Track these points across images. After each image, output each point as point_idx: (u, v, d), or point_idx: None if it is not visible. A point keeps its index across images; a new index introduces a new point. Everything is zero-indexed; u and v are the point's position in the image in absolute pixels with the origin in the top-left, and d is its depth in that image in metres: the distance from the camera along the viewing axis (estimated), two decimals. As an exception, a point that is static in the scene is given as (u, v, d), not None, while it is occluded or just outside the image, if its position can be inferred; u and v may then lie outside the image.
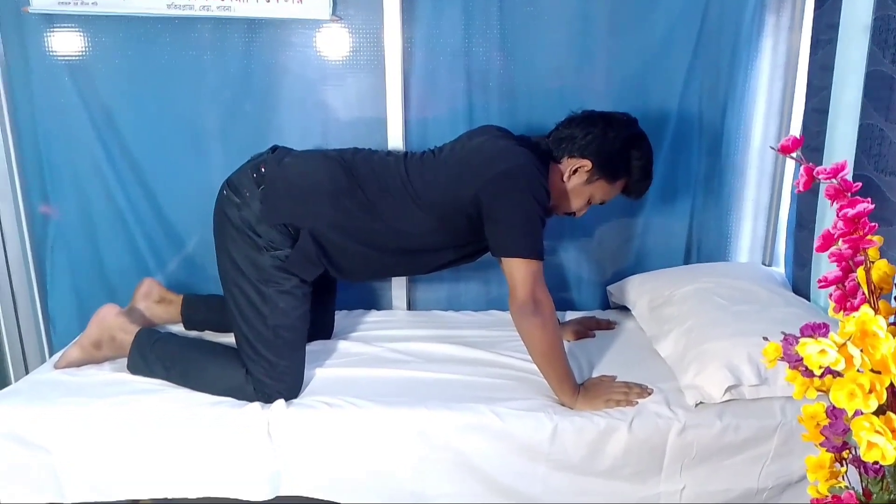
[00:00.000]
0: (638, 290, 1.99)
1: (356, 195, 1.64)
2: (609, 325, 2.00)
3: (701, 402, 1.51)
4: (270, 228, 1.61)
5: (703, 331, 1.64)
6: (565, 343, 1.90)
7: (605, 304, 2.17)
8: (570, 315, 2.09)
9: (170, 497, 1.57)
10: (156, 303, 1.90)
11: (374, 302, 2.19)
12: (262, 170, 1.64)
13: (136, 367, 1.68)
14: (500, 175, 1.57)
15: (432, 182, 1.65)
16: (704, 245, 2.18)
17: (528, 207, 1.57)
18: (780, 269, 2.11)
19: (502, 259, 1.58)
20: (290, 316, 1.64)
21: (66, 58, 1.95)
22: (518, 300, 1.56)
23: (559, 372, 1.57)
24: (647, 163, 1.71)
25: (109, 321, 1.75)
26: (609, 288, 2.13)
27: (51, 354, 2.10)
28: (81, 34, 1.94)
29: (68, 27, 1.93)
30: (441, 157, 1.70)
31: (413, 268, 1.85)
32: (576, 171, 1.68)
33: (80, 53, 1.95)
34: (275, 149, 1.71)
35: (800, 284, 1.92)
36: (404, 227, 1.65)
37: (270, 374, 1.59)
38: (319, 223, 1.63)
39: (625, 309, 2.07)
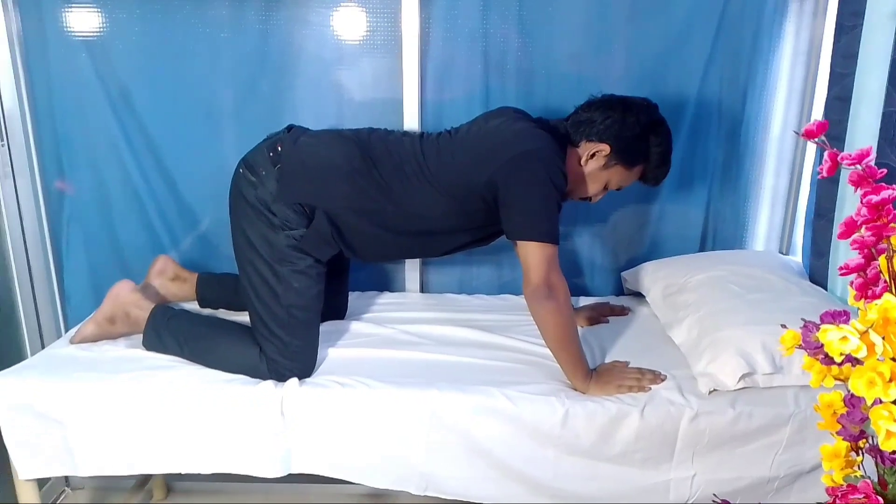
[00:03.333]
0: (652, 277, 1.98)
1: (371, 175, 1.63)
2: (623, 312, 1.99)
3: (714, 390, 1.51)
4: (286, 207, 1.61)
5: (717, 318, 1.63)
6: (578, 329, 1.90)
7: (620, 291, 2.17)
8: (584, 301, 2.08)
9: (182, 472, 1.59)
10: (170, 280, 1.92)
11: (387, 284, 2.19)
12: (279, 149, 1.64)
13: (150, 344, 1.70)
14: (518, 157, 1.56)
15: (448, 163, 1.64)
16: (720, 233, 2.16)
17: (545, 191, 1.56)
18: (796, 258, 2.09)
19: (517, 242, 1.57)
20: (305, 296, 1.64)
21: (83, 35, 1.95)
22: (532, 284, 1.56)
23: (572, 356, 1.57)
24: (666, 149, 1.70)
25: (124, 297, 1.76)
26: (623, 274, 2.12)
27: (66, 329, 2.12)
28: (98, 11, 1.94)
29: (85, 4, 1.93)
30: (457, 138, 1.69)
31: (427, 250, 1.84)
32: (593, 155, 1.67)
33: (97, 31, 1.95)
34: (290, 128, 1.71)
35: (816, 274, 1.90)
36: (419, 208, 1.65)
37: (283, 353, 1.59)
38: (335, 203, 1.63)
39: (639, 295, 2.06)
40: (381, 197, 1.64)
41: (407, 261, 2.14)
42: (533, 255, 1.55)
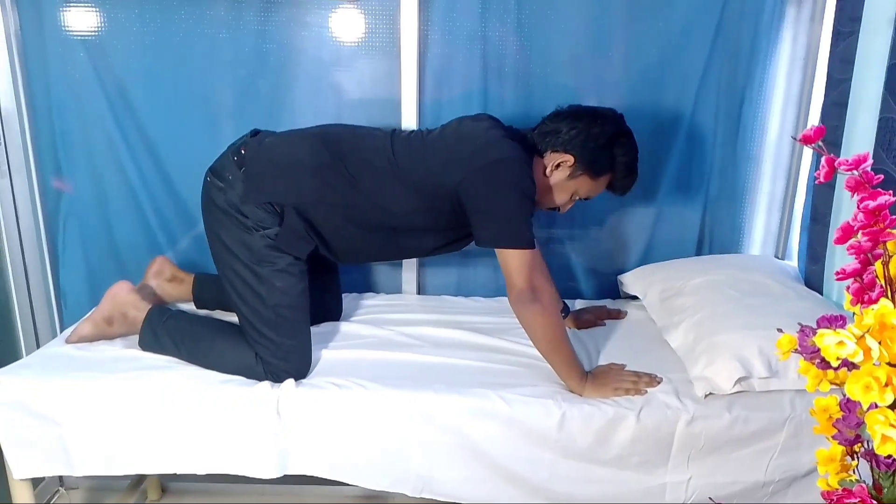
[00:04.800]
0: (649, 280, 1.99)
1: (338, 169, 1.63)
2: (619, 315, 2.00)
3: (710, 394, 1.51)
4: (256, 208, 1.61)
5: (713, 322, 1.64)
6: (576, 331, 1.91)
7: (616, 294, 2.17)
8: (581, 304, 2.08)
9: (178, 472, 1.58)
10: (167, 281, 1.91)
11: (384, 286, 2.19)
12: (243, 152, 1.65)
13: (147, 344, 1.69)
14: (488, 166, 1.57)
15: (419, 162, 1.64)
16: (717, 237, 2.17)
17: (517, 199, 1.57)
18: (793, 262, 2.10)
19: (497, 251, 1.58)
20: (289, 294, 1.64)
21: (82, 34, 1.95)
22: (516, 289, 1.57)
23: (564, 358, 1.57)
24: (632, 160, 1.70)
25: (122, 298, 1.76)
26: (620, 277, 2.12)
27: (62, 329, 2.12)
28: (97, 10, 1.93)
29: (84, 3, 1.93)
30: (429, 140, 1.69)
31: (398, 249, 1.83)
32: (559, 165, 1.68)
33: (96, 30, 1.95)
34: (255, 133, 1.71)
35: (812, 279, 1.90)
36: (387, 203, 1.65)
37: (276, 354, 1.59)
38: (303, 198, 1.63)
39: (635, 299, 2.06)
40: (349, 190, 1.63)
41: (404, 262, 2.14)
42: (513, 261, 1.56)
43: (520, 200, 1.57)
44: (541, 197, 1.69)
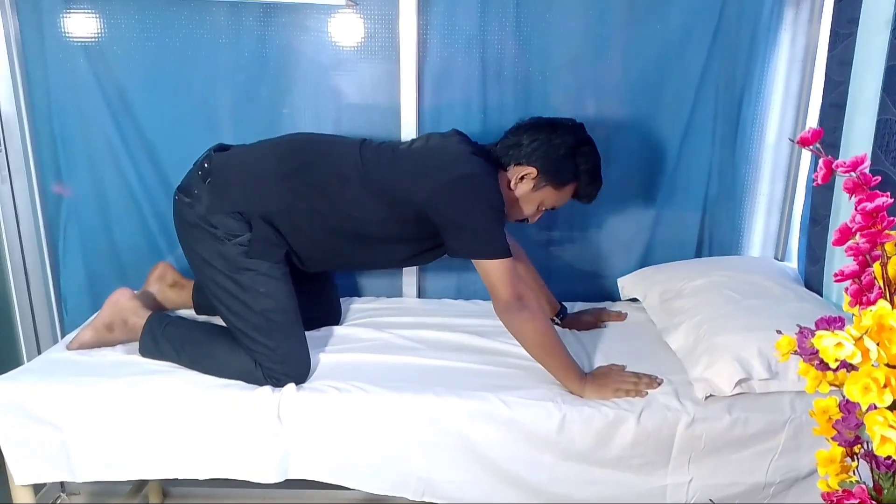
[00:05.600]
0: (649, 282, 1.99)
1: (303, 177, 1.64)
2: (619, 317, 2.00)
3: (710, 395, 1.51)
4: (224, 217, 1.61)
5: (713, 324, 1.64)
6: (576, 333, 1.91)
7: (616, 296, 2.17)
8: (581, 306, 2.09)
9: (179, 477, 1.58)
10: (169, 286, 1.92)
11: (384, 289, 2.19)
12: (206, 165, 1.66)
13: (147, 351, 1.70)
14: (454, 182, 1.58)
15: (386, 174, 1.65)
16: (716, 239, 2.17)
17: (488, 211, 1.59)
18: (792, 264, 2.10)
19: (476, 263, 1.59)
20: (275, 297, 1.64)
21: (82, 39, 1.95)
22: (501, 300, 1.58)
23: (560, 360, 1.58)
24: (593, 167, 1.71)
25: (122, 304, 1.76)
26: (620, 280, 2.12)
27: (63, 334, 2.12)
28: (97, 16, 1.94)
29: (84, 9, 1.93)
30: (399, 152, 1.70)
31: (367, 259, 1.83)
32: (522, 178, 1.69)
33: (96, 35, 1.95)
34: (219, 147, 1.72)
35: (812, 280, 1.91)
36: (354, 211, 1.65)
37: (273, 359, 1.59)
38: (270, 207, 1.63)
39: (635, 301, 2.06)
40: (316, 198, 1.64)
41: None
42: (495, 271, 1.57)
43: (490, 213, 1.59)
44: (508, 209, 1.70)
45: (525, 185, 1.70)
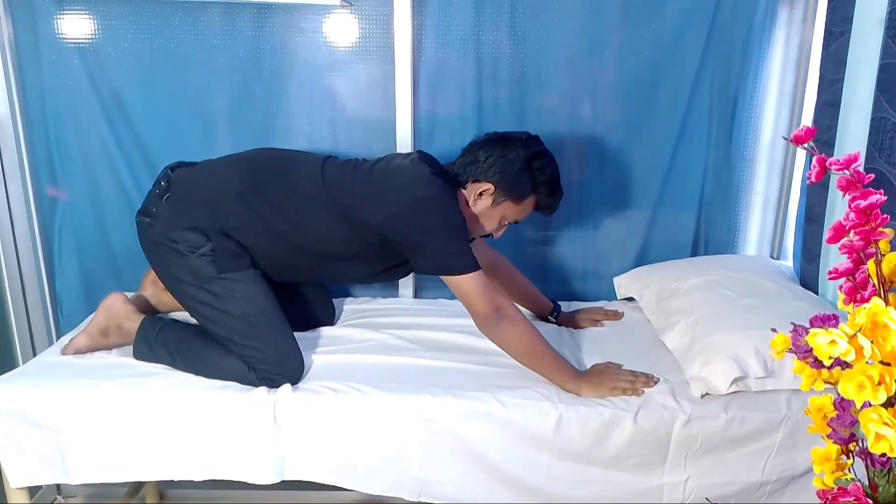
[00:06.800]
0: (645, 282, 1.99)
1: (262, 195, 1.64)
2: (616, 316, 2.00)
3: (707, 394, 1.51)
4: (183, 231, 1.62)
5: (709, 323, 1.64)
6: (572, 332, 1.91)
7: (612, 295, 2.17)
8: (577, 305, 2.09)
9: (175, 479, 1.58)
10: (163, 290, 1.90)
11: (380, 289, 2.19)
12: (163, 183, 1.67)
13: (141, 355, 1.69)
14: (411, 205, 1.58)
15: (347, 193, 1.65)
16: (712, 238, 2.17)
17: (447, 229, 1.59)
18: (788, 262, 2.10)
19: (447, 280, 1.59)
20: (253, 301, 1.63)
21: (76, 41, 1.95)
22: (479, 313, 1.59)
23: (550, 362, 1.58)
24: (550, 178, 1.71)
25: (117, 309, 1.75)
26: (616, 279, 2.12)
27: (58, 336, 2.12)
28: (91, 17, 1.94)
29: (78, 10, 1.93)
30: (361, 171, 1.69)
31: (328, 275, 1.84)
32: (481, 194, 1.70)
33: (90, 37, 1.95)
34: (175, 166, 1.72)
35: (808, 278, 1.91)
36: (312, 229, 1.66)
37: (263, 361, 1.59)
38: (228, 223, 1.64)
39: (632, 300, 2.07)
40: (274, 216, 1.64)
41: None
42: (466, 286, 1.58)
43: (449, 231, 1.59)
44: (470, 226, 1.70)
45: (484, 202, 1.70)
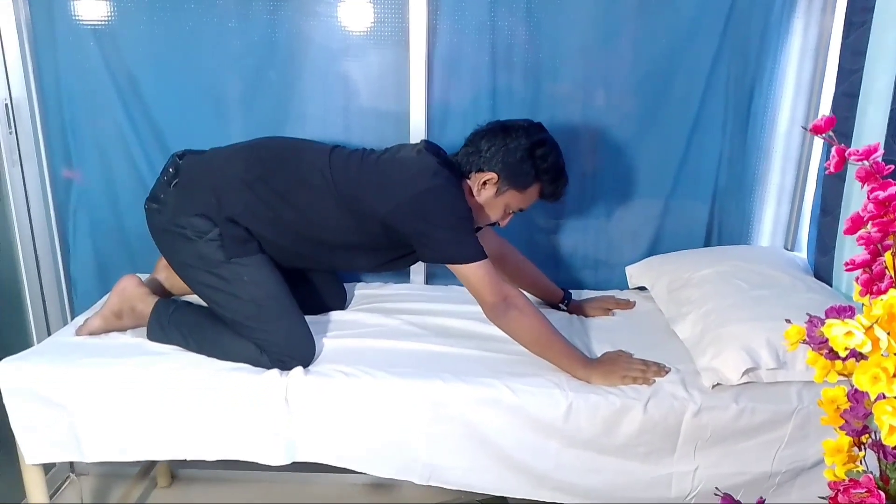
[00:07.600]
0: (657, 271, 1.98)
1: (269, 183, 1.65)
2: (627, 305, 2.00)
3: (717, 385, 1.51)
4: (191, 218, 1.63)
5: (721, 314, 1.63)
6: (584, 320, 1.91)
7: (624, 285, 2.16)
8: (588, 294, 2.08)
9: (188, 458, 1.60)
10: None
11: (392, 275, 2.19)
12: (171, 170, 1.68)
13: (155, 337, 1.70)
14: (416, 196, 1.59)
15: (354, 182, 1.65)
16: (726, 228, 2.16)
17: (454, 219, 1.60)
18: (802, 254, 2.09)
19: (454, 270, 1.60)
20: (262, 284, 1.65)
21: (92, 23, 1.95)
22: (487, 303, 1.59)
23: (560, 350, 1.59)
24: (553, 165, 1.70)
25: (130, 292, 1.76)
26: (628, 268, 2.12)
27: (72, 317, 2.14)
28: (106, 0, 1.94)
29: (94, -9, 1.93)
30: (368, 161, 1.69)
31: (334, 264, 1.85)
32: (484, 184, 1.69)
33: (106, 19, 1.95)
34: (182, 154, 1.73)
35: (822, 270, 1.90)
36: (318, 218, 1.66)
37: (274, 343, 1.60)
38: (235, 211, 1.64)
39: (643, 290, 2.06)
40: (281, 204, 1.65)
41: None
42: (474, 276, 1.58)
43: (455, 221, 1.60)
44: (476, 216, 1.71)
45: (488, 191, 1.70)
